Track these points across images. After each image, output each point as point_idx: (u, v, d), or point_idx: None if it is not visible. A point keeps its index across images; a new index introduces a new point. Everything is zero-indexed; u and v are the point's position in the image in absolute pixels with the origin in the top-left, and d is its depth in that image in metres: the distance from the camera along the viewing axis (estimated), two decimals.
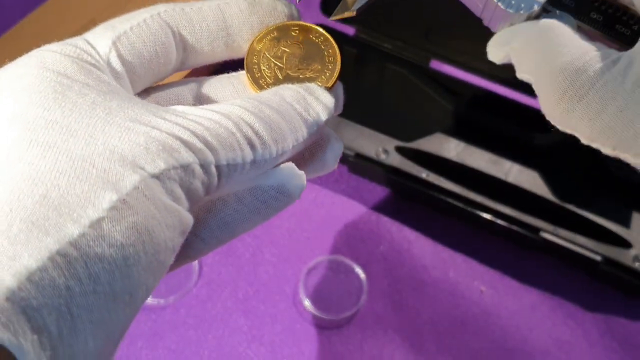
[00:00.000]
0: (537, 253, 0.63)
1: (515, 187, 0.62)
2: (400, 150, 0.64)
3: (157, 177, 0.27)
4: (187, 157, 0.28)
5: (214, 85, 0.38)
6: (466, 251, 0.63)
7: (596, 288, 0.62)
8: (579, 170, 0.64)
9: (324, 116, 0.34)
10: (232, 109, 0.31)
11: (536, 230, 0.60)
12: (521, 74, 0.34)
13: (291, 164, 0.33)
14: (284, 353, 0.58)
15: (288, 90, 0.34)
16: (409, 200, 0.66)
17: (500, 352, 0.59)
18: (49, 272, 0.23)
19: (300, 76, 0.36)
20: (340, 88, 0.37)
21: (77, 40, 0.32)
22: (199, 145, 0.29)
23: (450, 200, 0.62)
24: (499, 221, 0.61)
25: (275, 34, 0.37)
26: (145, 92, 0.36)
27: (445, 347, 0.59)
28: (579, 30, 0.34)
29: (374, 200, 0.66)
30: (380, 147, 0.64)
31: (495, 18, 0.35)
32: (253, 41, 0.37)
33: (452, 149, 0.64)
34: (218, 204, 0.33)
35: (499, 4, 0.34)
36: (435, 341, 0.59)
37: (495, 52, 0.36)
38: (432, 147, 0.64)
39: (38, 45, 0.68)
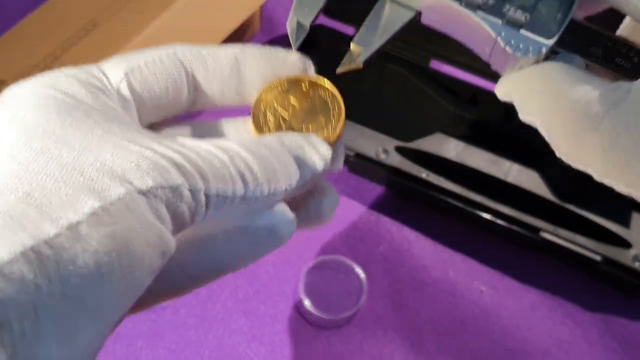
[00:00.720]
0: (537, 253, 0.63)
1: (515, 187, 0.62)
2: (400, 150, 0.64)
3: (144, 193, 0.27)
4: (177, 179, 0.28)
5: (218, 127, 0.39)
6: (466, 251, 0.63)
7: (596, 288, 0.62)
8: (579, 170, 0.64)
9: (319, 166, 0.34)
10: (229, 144, 0.32)
11: (536, 230, 0.60)
12: (525, 116, 0.34)
13: (284, 206, 0.33)
14: (284, 353, 0.58)
15: (288, 136, 0.34)
16: (409, 200, 0.66)
17: (500, 352, 0.59)
18: (19, 267, 0.23)
19: (303, 129, 0.37)
20: (341, 146, 0.38)
21: (92, 68, 0.34)
22: (191, 170, 0.29)
23: (450, 200, 0.62)
24: (499, 221, 0.61)
25: (286, 85, 0.38)
26: (150, 127, 0.37)
27: (445, 347, 0.59)
28: (587, 69, 0.34)
29: (374, 200, 0.66)
30: (380, 147, 0.64)
31: (503, 62, 0.35)
32: (263, 90, 0.37)
33: (452, 149, 0.64)
34: (206, 240, 0.33)
35: (507, 48, 0.34)
36: (435, 341, 0.59)
37: (501, 88, 0.36)
38: (432, 147, 0.64)
39: (38, 45, 0.68)
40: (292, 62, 0.38)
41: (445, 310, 0.61)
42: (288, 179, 0.33)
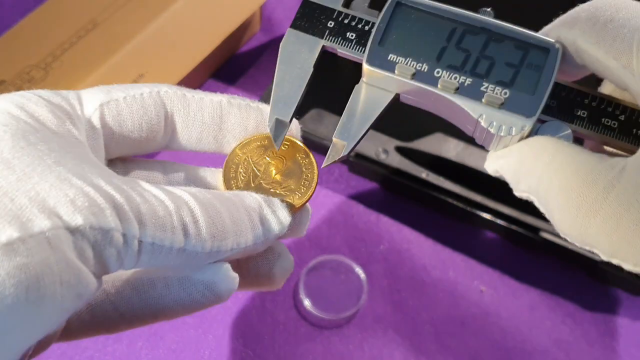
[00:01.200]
0: (537, 253, 0.63)
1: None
2: (400, 150, 0.64)
3: (71, 230, 0.27)
4: (111, 221, 0.28)
5: (189, 173, 0.38)
6: (466, 251, 0.63)
7: (596, 288, 0.62)
8: None
9: (275, 230, 0.34)
10: (180, 193, 0.31)
11: (536, 230, 0.60)
12: (520, 193, 0.34)
13: (226, 265, 0.33)
14: (284, 353, 0.58)
15: (249, 197, 0.34)
16: (409, 200, 0.66)
17: (500, 351, 0.59)
18: None
19: (271, 190, 0.37)
20: (307, 214, 0.38)
21: (69, 93, 0.34)
22: (129, 214, 0.28)
23: (450, 200, 0.62)
24: (499, 221, 0.61)
25: (266, 142, 0.38)
26: (120, 160, 0.37)
27: (445, 347, 0.59)
28: (575, 141, 0.34)
29: (374, 200, 0.66)
30: (380, 147, 0.64)
31: (487, 139, 0.35)
32: (241, 143, 0.38)
33: (452, 149, 0.64)
34: (145, 283, 0.33)
35: (489, 129, 0.34)
36: (435, 341, 0.59)
37: (491, 164, 0.36)
38: (431, 147, 0.64)
39: (38, 45, 0.68)
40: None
41: (445, 310, 0.61)
42: (237, 239, 0.32)
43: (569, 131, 0.34)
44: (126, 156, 0.37)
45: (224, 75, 0.71)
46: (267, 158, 0.38)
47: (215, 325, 0.59)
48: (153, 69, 0.63)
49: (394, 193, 0.66)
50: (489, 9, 0.36)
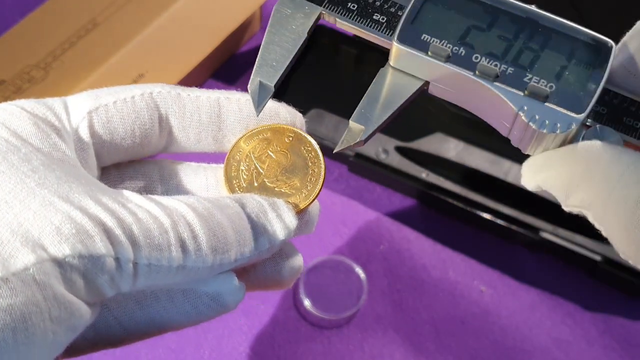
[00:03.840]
0: (537, 253, 0.63)
1: (515, 186, 0.62)
2: (400, 150, 0.64)
3: (57, 262, 0.25)
4: (101, 247, 0.26)
5: (187, 172, 0.36)
6: (466, 251, 0.63)
7: (596, 288, 0.62)
8: None
9: (281, 235, 0.32)
10: (177, 206, 0.29)
11: (536, 230, 0.60)
12: (571, 208, 0.30)
13: (231, 275, 0.31)
14: (284, 353, 0.58)
15: (251, 201, 0.32)
16: (409, 200, 0.66)
17: (500, 351, 0.59)
18: None
19: (276, 189, 0.34)
20: (315, 210, 0.35)
21: (54, 102, 0.32)
22: (121, 237, 0.27)
23: (450, 200, 0.62)
24: (499, 221, 0.61)
25: (269, 134, 0.35)
26: (114, 167, 0.35)
27: (445, 346, 0.59)
28: (626, 146, 0.30)
29: (374, 200, 0.66)
30: (380, 147, 0.64)
31: (526, 139, 0.31)
32: (242, 137, 0.35)
33: (452, 148, 0.64)
34: (148, 296, 0.31)
35: (531, 124, 0.30)
36: (435, 341, 0.59)
37: (531, 178, 0.32)
38: (432, 147, 0.64)
39: (38, 45, 0.68)
40: (281, 115, 0.35)
41: (445, 310, 0.61)
42: (240, 249, 0.30)
43: (618, 137, 0.30)
44: (122, 162, 0.35)
45: (224, 75, 0.71)
46: (270, 152, 0.35)
47: (215, 325, 0.59)
48: (153, 69, 0.63)
49: (394, 193, 0.66)
50: (533, 5, 0.33)
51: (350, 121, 0.33)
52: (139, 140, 0.34)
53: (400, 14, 0.33)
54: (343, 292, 0.60)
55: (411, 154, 0.64)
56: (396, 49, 0.32)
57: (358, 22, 0.34)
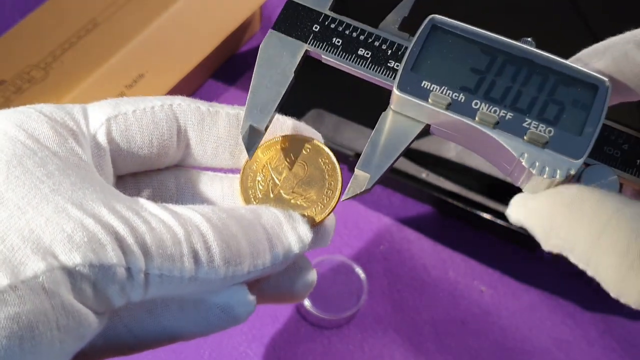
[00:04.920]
0: (537, 253, 0.63)
1: (515, 187, 0.62)
2: None
3: (68, 270, 0.25)
4: (112, 257, 0.26)
5: (203, 181, 0.36)
6: (466, 251, 0.63)
7: (596, 288, 0.62)
8: None
9: (295, 249, 0.32)
10: (192, 216, 0.29)
11: None
12: (550, 248, 0.31)
13: (243, 287, 0.31)
14: (284, 353, 0.58)
15: (267, 213, 0.32)
16: (409, 200, 0.66)
17: (500, 351, 0.59)
18: None
19: (292, 200, 0.34)
20: (330, 223, 0.35)
21: (74, 107, 0.32)
22: (133, 246, 0.26)
23: (450, 200, 0.62)
24: (499, 221, 0.61)
25: (287, 144, 0.35)
26: (130, 175, 0.35)
27: (445, 347, 0.59)
28: (622, 187, 0.31)
29: (374, 200, 0.66)
30: None
31: (526, 180, 0.32)
32: (260, 146, 0.34)
33: (452, 148, 0.64)
34: (159, 306, 0.31)
35: (532, 170, 0.31)
36: (435, 341, 0.59)
37: (515, 212, 0.32)
38: (432, 147, 0.64)
39: (38, 45, 0.68)
40: (301, 131, 0.35)
41: (445, 310, 0.61)
42: (254, 261, 0.30)
43: (615, 177, 0.31)
44: (138, 171, 0.35)
45: (224, 75, 0.71)
46: (287, 163, 0.35)
47: None
48: (153, 69, 0.63)
49: (394, 193, 0.66)
50: (529, 39, 0.33)
51: (356, 169, 0.33)
52: (156, 151, 0.33)
53: (385, 47, 0.34)
54: (343, 292, 0.60)
55: (411, 154, 0.64)
56: (396, 96, 0.33)
57: (343, 57, 0.34)
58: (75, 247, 0.25)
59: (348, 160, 0.64)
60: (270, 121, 0.33)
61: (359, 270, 0.60)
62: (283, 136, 0.35)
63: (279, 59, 0.34)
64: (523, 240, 0.61)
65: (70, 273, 0.25)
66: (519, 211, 0.32)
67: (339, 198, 0.35)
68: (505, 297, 0.62)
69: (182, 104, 0.34)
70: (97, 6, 0.67)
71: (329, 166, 0.35)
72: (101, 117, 0.32)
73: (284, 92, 0.34)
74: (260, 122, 0.33)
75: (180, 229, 0.28)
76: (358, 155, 0.63)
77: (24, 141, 0.28)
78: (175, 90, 0.63)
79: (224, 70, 0.72)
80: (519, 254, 0.63)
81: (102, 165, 0.32)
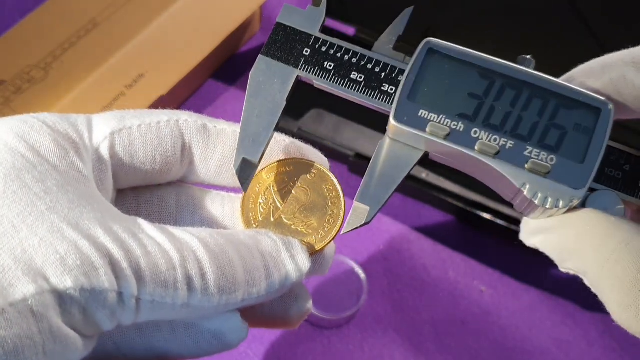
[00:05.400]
0: (537, 253, 0.63)
1: None
2: None
3: (58, 293, 0.24)
4: (104, 281, 0.25)
5: (204, 199, 0.35)
6: (466, 251, 0.63)
7: None
8: None
9: (293, 278, 0.31)
10: (189, 240, 0.28)
11: None
12: (566, 270, 0.31)
13: (236, 314, 0.31)
14: (284, 353, 0.58)
15: (266, 239, 0.31)
16: (409, 200, 0.66)
17: (500, 351, 0.59)
18: None
19: (292, 226, 0.34)
20: (330, 252, 0.35)
21: (78, 118, 0.31)
22: (127, 271, 0.26)
23: (450, 200, 0.62)
24: (499, 221, 0.61)
25: (291, 168, 0.34)
26: (131, 190, 0.35)
27: (445, 347, 0.59)
28: (626, 210, 0.31)
29: None
30: None
31: (529, 209, 0.32)
32: (265, 168, 0.34)
33: None
34: (150, 326, 0.31)
35: (534, 200, 0.30)
36: (435, 341, 0.59)
37: (528, 238, 0.33)
38: None
39: (38, 45, 0.68)
40: (309, 154, 0.35)
41: (445, 310, 0.61)
42: (248, 289, 0.30)
43: (622, 206, 0.30)
44: (140, 186, 0.35)
45: (224, 75, 0.71)
46: (291, 187, 0.34)
47: None
48: (153, 69, 0.63)
49: (394, 193, 0.66)
50: (529, 57, 0.32)
51: (355, 201, 0.33)
52: (158, 167, 0.33)
53: (378, 70, 0.33)
54: (343, 292, 0.60)
55: None
56: (393, 126, 0.32)
57: (336, 82, 0.33)
58: (68, 270, 0.25)
59: (348, 160, 0.64)
60: (264, 151, 0.33)
61: (359, 270, 0.60)
62: (288, 159, 0.35)
63: (269, 87, 0.33)
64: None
65: (61, 296, 0.25)
66: (532, 237, 0.32)
67: (340, 227, 0.34)
68: (505, 297, 0.62)
69: (189, 120, 0.33)
70: (97, 6, 0.67)
71: (332, 193, 0.35)
72: (105, 130, 0.32)
73: (276, 121, 0.33)
74: (253, 154, 0.32)
75: (176, 254, 0.28)
76: (358, 155, 0.63)
77: (25, 153, 0.28)
78: (175, 90, 0.63)
79: (224, 70, 0.72)
80: (519, 254, 0.63)
81: (102, 179, 0.32)
